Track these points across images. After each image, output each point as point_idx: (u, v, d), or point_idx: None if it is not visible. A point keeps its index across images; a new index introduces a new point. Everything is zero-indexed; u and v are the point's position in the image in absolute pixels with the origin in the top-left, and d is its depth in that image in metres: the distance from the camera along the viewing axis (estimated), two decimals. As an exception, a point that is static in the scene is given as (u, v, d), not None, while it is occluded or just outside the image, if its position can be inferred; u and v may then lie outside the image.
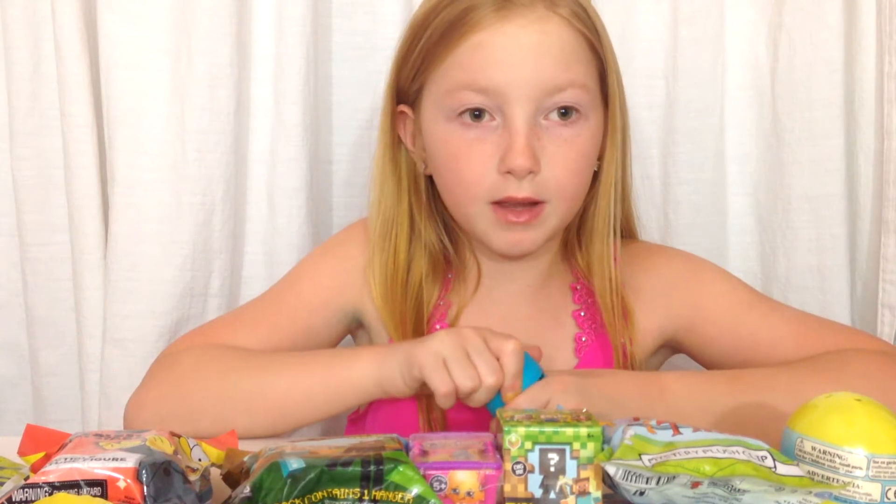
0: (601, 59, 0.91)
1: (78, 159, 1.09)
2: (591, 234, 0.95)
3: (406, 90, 0.94)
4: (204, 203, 1.09)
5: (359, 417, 0.98)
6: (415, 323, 0.93)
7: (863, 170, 1.15)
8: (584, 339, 0.95)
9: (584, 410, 0.68)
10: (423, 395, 0.85)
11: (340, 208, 1.20)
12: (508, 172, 0.87)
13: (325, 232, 1.18)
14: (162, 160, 1.08)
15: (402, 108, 0.95)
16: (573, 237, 0.98)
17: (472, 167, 0.89)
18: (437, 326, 0.94)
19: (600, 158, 0.93)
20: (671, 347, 0.99)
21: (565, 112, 0.88)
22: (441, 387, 0.79)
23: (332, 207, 1.20)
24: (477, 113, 0.88)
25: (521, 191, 0.87)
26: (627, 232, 1.00)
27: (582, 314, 0.97)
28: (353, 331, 1.00)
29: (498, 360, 0.79)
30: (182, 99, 1.08)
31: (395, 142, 0.96)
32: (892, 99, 1.09)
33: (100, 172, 1.10)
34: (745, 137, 1.19)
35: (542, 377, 0.81)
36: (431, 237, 0.96)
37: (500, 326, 0.83)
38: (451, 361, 0.79)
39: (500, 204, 0.89)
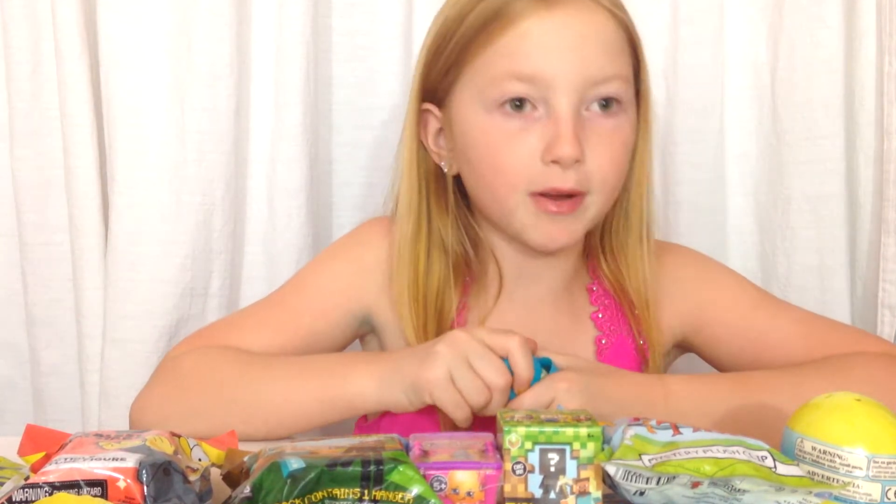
0: (636, 52, 0.90)
1: (78, 159, 1.09)
2: (625, 234, 0.94)
3: (435, 87, 0.92)
4: (204, 203, 1.09)
5: (371, 425, 0.94)
6: (437, 330, 0.91)
7: (863, 170, 1.15)
8: (603, 341, 0.95)
9: (584, 410, 0.68)
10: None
11: (340, 208, 1.20)
12: (554, 162, 0.85)
13: (325, 232, 1.18)
14: (162, 160, 1.08)
15: (426, 106, 0.93)
16: (596, 239, 0.96)
17: (515, 157, 0.86)
18: None
19: (632, 156, 0.92)
20: (681, 347, 0.99)
21: (607, 104, 0.87)
22: (457, 413, 0.78)
23: (332, 207, 1.20)
24: (518, 103, 0.86)
25: (567, 181, 0.85)
26: None
27: (600, 316, 0.96)
28: (363, 335, 0.98)
29: (507, 357, 0.78)
30: (182, 99, 1.08)
31: (420, 145, 0.94)
32: (892, 99, 1.09)
33: (100, 172, 1.10)
34: (745, 137, 1.19)
35: (543, 365, 0.80)
36: (452, 241, 0.93)
37: (522, 330, 0.81)
38: (457, 378, 0.77)
39: (541, 195, 0.87)
